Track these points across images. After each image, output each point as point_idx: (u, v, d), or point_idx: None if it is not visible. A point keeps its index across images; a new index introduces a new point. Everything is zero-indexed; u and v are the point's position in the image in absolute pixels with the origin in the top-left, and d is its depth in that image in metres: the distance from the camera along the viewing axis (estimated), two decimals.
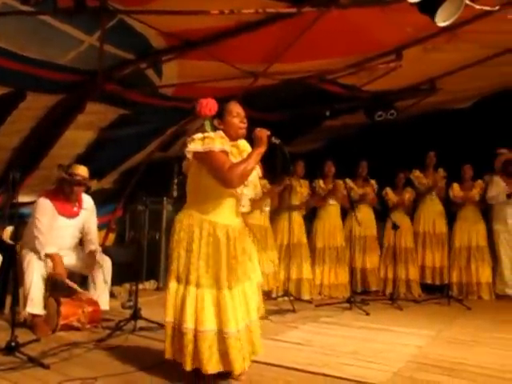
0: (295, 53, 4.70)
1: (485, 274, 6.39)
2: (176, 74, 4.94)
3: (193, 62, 4.67)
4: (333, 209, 6.61)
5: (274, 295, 6.01)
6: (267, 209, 5.89)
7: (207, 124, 3.03)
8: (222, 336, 2.83)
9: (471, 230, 6.51)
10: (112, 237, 7.21)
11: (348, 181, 6.73)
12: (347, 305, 5.58)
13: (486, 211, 6.67)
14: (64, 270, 4.43)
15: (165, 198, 6.99)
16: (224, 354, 2.83)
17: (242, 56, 4.77)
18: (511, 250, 6.38)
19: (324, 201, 6.53)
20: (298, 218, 6.40)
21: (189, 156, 2.95)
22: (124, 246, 7.25)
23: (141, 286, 6.23)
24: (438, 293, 6.28)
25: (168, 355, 2.95)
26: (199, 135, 2.93)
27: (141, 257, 6.77)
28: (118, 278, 5.66)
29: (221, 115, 3.04)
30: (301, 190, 6.48)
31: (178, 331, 2.88)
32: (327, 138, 8.45)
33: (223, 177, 2.84)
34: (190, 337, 2.83)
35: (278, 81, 5.48)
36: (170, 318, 2.93)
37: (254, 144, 2.99)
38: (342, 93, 6.22)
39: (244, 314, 2.95)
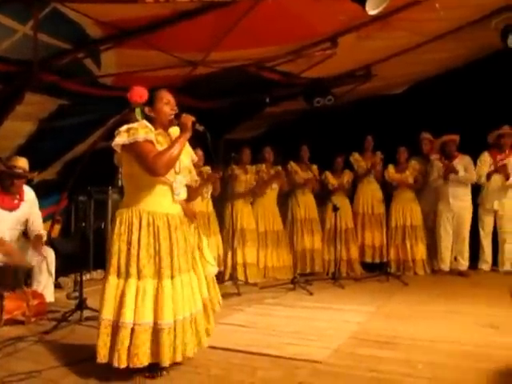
0: (233, 41, 4.76)
1: (419, 252, 6.71)
2: (114, 63, 4.91)
3: (130, 51, 4.65)
4: (271, 193, 6.74)
5: (219, 280, 6.11)
6: (207, 195, 5.96)
7: (138, 111, 3.04)
8: (156, 328, 2.78)
9: (406, 210, 6.80)
10: (57, 228, 7.10)
11: (293, 164, 6.89)
12: (291, 286, 5.75)
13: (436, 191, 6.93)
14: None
15: (110, 188, 6.93)
16: (155, 346, 2.78)
17: (180, 45, 4.78)
18: (451, 227, 6.69)
19: (268, 186, 6.65)
20: (243, 204, 6.52)
21: (117, 149, 2.96)
22: (70, 236, 7.15)
23: (88, 276, 6.21)
24: (377, 270, 6.55)
25: (102, 358, 2.78)
26: (124, 127, 2.93)
27: (87, 247, 6.71)
28: (64, 269, 5.61)
29: (151, 102, 3.04)
30: (246, 177, 6.57)
31: (116, 327, 2.78)
32: (270, 125, 8.57)
33: (148, 166, 2.84)
34: (127, 331, 2.74)
35: (217, 69, 5.52)
36: (107, 315, 2.81)
37: (180, 130, 3.03)
38: (281, 80, 6.33)
39: (186, 305, 2.93)
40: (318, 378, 2.94)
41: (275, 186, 6.72)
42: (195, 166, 5.96)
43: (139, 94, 3.02)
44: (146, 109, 3.05)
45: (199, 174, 6.04)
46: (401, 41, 5.81)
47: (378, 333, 3.83)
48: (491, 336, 3.77)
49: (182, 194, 3.15)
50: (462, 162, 6.61)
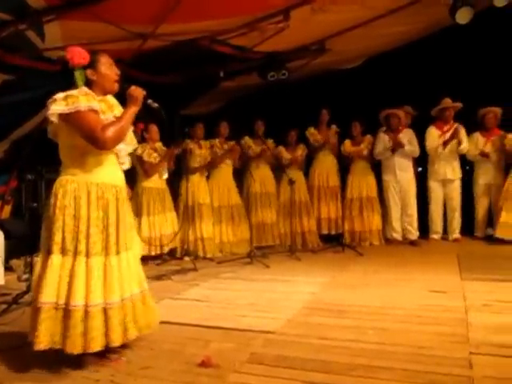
0: (183, 13, 4.68)
1: (375, 222, 6.89)
2: (60, 36, 4.75)
3: (76, 23, 4.50)
4: (226, 168, 6.73)
5: (176, 255, 6.13)
6: (165, 176, 5.91)
7: (78, 75, 2.76)
8: (106, 307, 2.65)
9: (362, 182, 6.93)
10: (8, 209, 6.92)
11: (247, 139, 6.89)
12: (248, 260, 5.80)
13: (378, 163, 7.09)
14: None
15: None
16: (106, 326, 2.65)
17: (128, 16, 4.66)
18: (399, 199, 6.87)
19: (222, 161, 6.63)
20: (198, 179, 6.49)
21: (53, 119, 2.71)
22: (21, 217, 6.98)
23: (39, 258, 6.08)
24: (334, 242, 6.66)
25: (43, 344, 2.57)
26: (61, 95, 2.69)
27: (37, 228, 6.54)
28: (16, 251, 5.48)
29: (93, 65, 2.79)
30: (200, 151, 6.53)
31: (66, 311, 2.60)
32: (226, 99, 8.51)
33: (96, 138, 2.63)
34: (79, 314, 2.58)
35: (169, 42, 5.43)
36: (49, 298, 2.59)
37: (127, 102, 2.82)
38: (235, 54, 6.27)
39: (133, 282, 2.85)
40: (271, 347, 2.99)
41: (229, 160, 6.71)
42: (151, 141, 5.95)
43: (81, 54, 2.74)
44: (89, 72, 2.78)
45: (155, 150, 6.01)
46: (354, 15, 5.81)
47: (330, 302, 3.93)
48: (438, 300, 3.93)
49: (127, 163, 3.03)
50: (405, 136, 6.79)
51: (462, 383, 2.48)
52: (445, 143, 6.73)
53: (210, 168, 6.67)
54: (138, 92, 2.82)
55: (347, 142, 6.97)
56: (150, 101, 2.92)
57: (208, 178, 6.70)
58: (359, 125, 6.98)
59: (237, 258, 6.02)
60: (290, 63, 6.67)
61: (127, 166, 3.04)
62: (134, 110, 2.82)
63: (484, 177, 6.89)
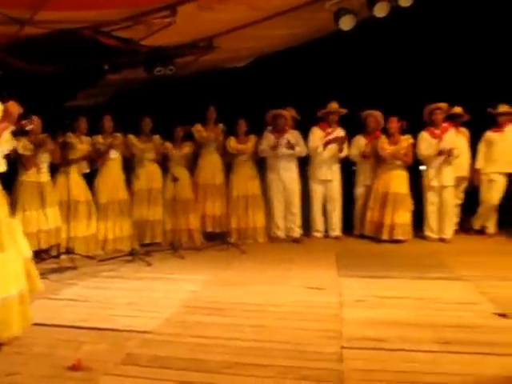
0: (63, 1, 4.43)
1: (259, 220, 6.98)
2: None
3: None
4: (114, 163, 6.51)
5: (54, 253, 5.81)
6: (44, 166, 5.58)
7: None
8: None
9: (246, 180, 6.99)
10: None
11: (131, 137, 6.70)
12: (130, 258, 5.65)
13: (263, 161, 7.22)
14: None
15: None
16: None
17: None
18: (283, 197, 7.03)
19: (104, 155, 6.39)
20: (79, 174, 6.22)
21: None
22: None
23: None
24: (218, 239, 6.67)
25: None
26: None
27: None
28: None
29: None
30: (82, 146, 6.26)
31: None
32: (113, 93, 8.23)
33: None
34: None
35: (49, 30, 5.12)
36: None
37: (2, 116, 2.74)
38: (120, 46, 6.07)
39: (12, 282, 2.77)
40: (147, 347, 2.94)
41: (115, 155, 6.48)
42: (32, 133, 5.59)
43: None
44: None
45: (36, 142, 5.66)
46: (241, 15, 5.85)
47: (210, 300, 3.94)
48: (315, 297, 4.07)
49: (2, 165, 2.92)
50: (292, 136, 6.97)
51: (332, 377, 2.59)
52: (325, 144, 7.00)
53: (93, 165, 6.40)
54: (14, 109, 2.74)
55: (232, 140, 7.00)
56: (24, 121, 2.82)
57: (92, 173, 6.42)
58: (245, 123, 7.04)
59: (119, 255, 5.84)
60: (178, 59, 6.58)
61: (2, 168, 2.93)
62: (5, 126, 2.74)
63: (364, 177, 7.25)
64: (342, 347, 2.96)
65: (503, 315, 3.54)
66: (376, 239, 6.77)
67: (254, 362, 2.76)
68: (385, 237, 6.70)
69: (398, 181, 6.84)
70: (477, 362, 2.72)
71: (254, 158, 7.11)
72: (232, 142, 6.99)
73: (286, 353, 2.89)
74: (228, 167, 7.08)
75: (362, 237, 7.09)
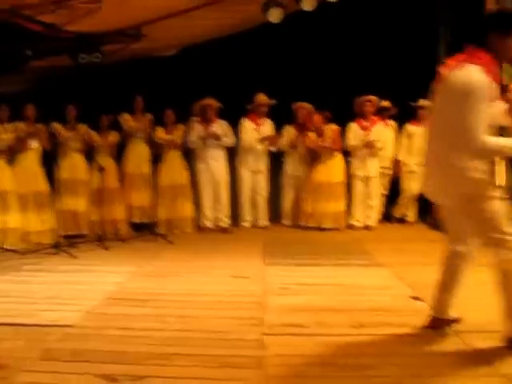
0: None
1: (187, 210, 6.96)
2: None
3: None
4: (32, 154, 6.29)
5: None
6: None
7: None
8: None
9: (174, 170, 6.94)
10: None
11: (55, 125, 6.50)
12: (54, 250, 5.52)
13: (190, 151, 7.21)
14: None
15: None
16: None
17: None
18: (211, 187, 7.05)
19: (24, 144, 6.15)
20: (3, 164, 5.98)
21: None
22: None
23: None
24: (145, 230, 6.62)
25: None
26: None
27: None
28: None
29: None
30: (5, 136, 6.01)
31: None
32: (37, 80, 7.91)
33: None
34: None
35: None
36: None
37: None
38: (44, 31, 5.85)
39: None
40: (67, 342, 2.91)
41: (35, 145, 6.25)
42: None
43: None
44: None
45: None
46: (170, 2, 5.79)
47: (134, 292, 3.94)
48: (240, 286, 4.16)
49: None
50: (220, 127, 7.00)
51: (253, 363, 2.67)
52: (262, 140, 7.10)
53: (14, 153, 6.15)
54: None
55: (160, 130, 6.93)
56: None
57: (12, 163, 6.17)
58: (173, 113, 6.98)
59: (42, 248, 5.68)
60: (105, 46, 6.42)
61: None
62: None
63: (291, 168, 7.38)
64: (264, 334, 3.05)
65: (417, 298, 3.76)
66: (310, 228, 6.94)
67: (178, 351, 2.79)
68: (318, 225, 6.92)
69: (333, 170, 7.05)
70: (389, 342, 2.88)
71: (183, 148, 7.08)
72: (160, 133, 6.91)
73: (209, 341, 2.94)
74: (156, 157, 7.00)
75: (292, 226, 7.25)
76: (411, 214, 7.55)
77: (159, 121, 6.97)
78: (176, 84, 7.14)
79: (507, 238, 2.60)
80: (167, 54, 7.55)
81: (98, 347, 2.81)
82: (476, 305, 3.25)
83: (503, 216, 2.64)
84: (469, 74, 2.54)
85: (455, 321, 3.03)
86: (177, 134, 6.94)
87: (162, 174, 6.93)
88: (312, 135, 7.08)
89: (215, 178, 7.03)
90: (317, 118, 7.05)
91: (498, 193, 2.64)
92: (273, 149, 7.23)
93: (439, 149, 2.73)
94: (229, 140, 7.04)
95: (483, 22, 2.68)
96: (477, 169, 2.56)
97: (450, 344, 2.88)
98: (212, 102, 6.95)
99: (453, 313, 3.01)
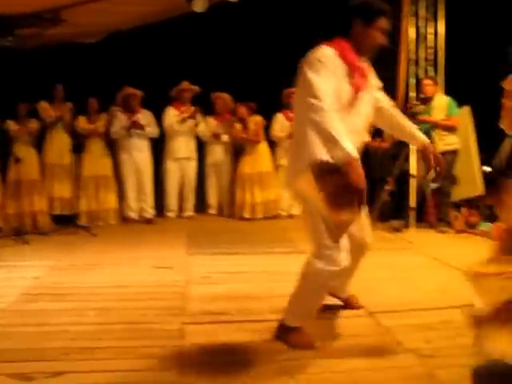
0: None
1: (111, 201, 6.82)
2: None
3: None
4: None
5: None
6: None
7: None
8: None
9: (97, 160, 6.77)
10: None
11: None
12: None
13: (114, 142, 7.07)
14: None
15: None
16: None
17: None
18: (135, 177, 6.94)
19: None
20: None
21: None
22: None
23: None
24: (67, 222, 6.44)
25: None
26: None
27: None
28: None
29: None
30: None
31: None
32: None
33: None
34: None
35: None
36: None
37: None
38: None
39: None
40: None
41: None
42: None
43: None
44: None
45: None
46: None
47: (53, 286, 3.84)
48: (163, 276, 4.15)
49: None
50: (144, 117, 6.91)
51: (172, 353, 2.69)
52: (182, 120, 7.05)
53: None
54: None
55: (82, 119, 6.74)
56: None
57: None
58: (96, 102, 6.80)
59: None
60: (19, 30, 6.14)
61: None
62: None
63: (213, 157, 7.41)
64: (184, 323, 3.07)
65: None
66: (237, 218, 7.05)
67: (97, 345, 2.77)
68: (249, 216, 7.04)
69: (260, 160, 7.15)
70: (307, 325, 2.97)
71: (106, 138, 6.92)
72: (81, 122, 6.72)
73: (129, 333, 2.94)
74: (78, 147, 6.77)
75: (218, 216, 7.29)
76: None
77: (83, 110, 6.77)
78: (100, 72, 6.96)
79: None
80: (90, 41, 7.32)
81: (14, 345, 2.74)
82: (386, 287, 3.43)
83: None
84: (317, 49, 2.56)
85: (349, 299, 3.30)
86: (100, 124, 6.77)
87: (84, 164, 6.74)
88: (238, 126, 7.13)
89: (139, 169, 6.93)
90: (242, 109, 7.12)
91: None
92: (200, 129, 7.20)
93: None
94: (152, 130, 6.96)
95: (347, 10, 2.69)
96: None
97: (363, 324, 3.07)
98: (136, 92, 6.83)
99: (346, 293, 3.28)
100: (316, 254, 2.62)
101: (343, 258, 2.59)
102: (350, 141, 2.36)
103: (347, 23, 2.62)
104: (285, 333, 2.79)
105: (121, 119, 6.79)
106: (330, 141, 2.33)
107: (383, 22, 2.61)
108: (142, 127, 6.79)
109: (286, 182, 2.80)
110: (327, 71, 2.45)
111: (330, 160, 2.34)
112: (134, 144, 6.89)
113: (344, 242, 2.57)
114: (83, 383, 2.39)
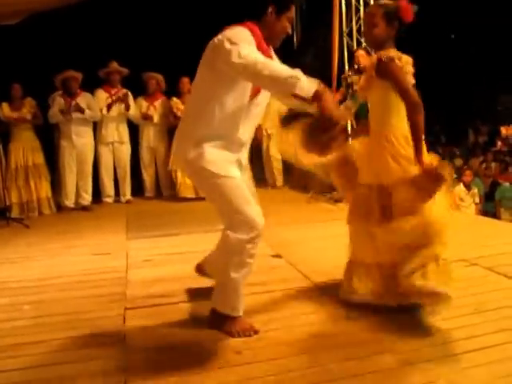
0: None
1: (44, 190, 6.54)
2: None
3: None
4: None
5: None
6: None
7: None
8: None
9: (26, 149, 6.45)
10: None
11: None
12: None
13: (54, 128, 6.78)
14: None
15: None
16: None
17: None
18: (74, 165, 6.67)
19: None
20: None
21: None
22: None
23: None
24: None
25: None
26: None
27: None
28: None
29: None
30: None
31: None
32: None
33: None
34: None
35: None
36: None
37: None
38: None
39: None
40: None
41: None
42: None
43: None
44: None
45: None
46: None
47: None
48: (101, 263, 4.03)
49: None
50: (84, 100, 6.63)
51: (114, 339, 2.60)
52: (109, 106, 6.83)
53: None
54: None
55: (5, 106, 6.38)
56: None
57: None
58: (19, 87, 6.45)
59: None
60: None
61: None
62: None
63: (147, 139, 7.26)
64: (126, 309, 2.99)
65: (277, 256, 3.91)
66: (176, 199, 6.88)
67: (33, 339, 2.64)
68: (190, 195, 6.80)
69: None
70: (249, 299, 2.93)
71: (35, 125, 6.58)
72: (5, 109, 6.36)
73: (67, 324, 2.82)
74: (4, 136, 6.42)
75: (155, 198, 7.16)
76: (279, 178, 7.73)
77: (6, 96, 6.41)
78: (23, 56, 6.61)
79: None
80: (11, 23, 6.91)
81: None
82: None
83: None
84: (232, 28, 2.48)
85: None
86: (25, 110, 6.43)
87: (12, 153, 6.41)
88: (176, 99, 7.02)
89: (80, 155, 6.68)
90: (185, 84, 6.92)
91: None
92: (130, 112, 7.02)
93: None
94: (92, 113, 6.69)
95: None
96: None
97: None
98: (75, 74, 6.55)
99: None
100: (230, 226, 2.50)
101: (258, 219, 2.48)
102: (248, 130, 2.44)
103: (259, 10, 2.52)
104: (220, 321, 2.61)
105: (59, 102, 6.50)
106: (285, 82, 2.17)
107: (293, 12, 2.59)
108: (81, 110, 6.50)
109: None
110: (247, 44, 2.36)
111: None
112: (75, 130, 6.62)
113: (255, 206, 2.53)
114: (13, 382, 2.26)
